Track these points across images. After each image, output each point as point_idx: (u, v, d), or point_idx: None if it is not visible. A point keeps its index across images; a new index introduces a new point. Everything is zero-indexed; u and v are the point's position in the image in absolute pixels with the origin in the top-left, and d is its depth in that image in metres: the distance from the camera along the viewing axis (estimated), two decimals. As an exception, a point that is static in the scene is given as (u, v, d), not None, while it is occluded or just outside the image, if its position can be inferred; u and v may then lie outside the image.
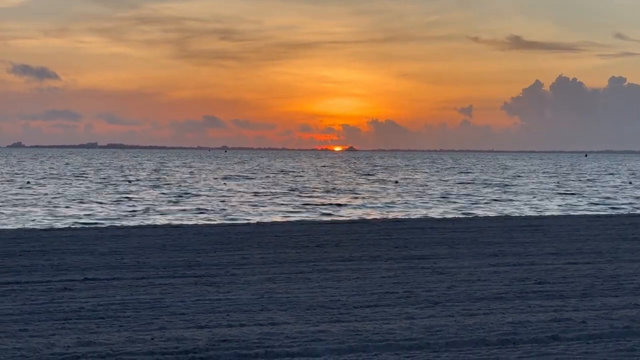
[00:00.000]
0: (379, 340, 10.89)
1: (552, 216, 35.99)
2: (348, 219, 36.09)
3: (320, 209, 43.34)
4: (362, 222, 31.83)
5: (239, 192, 58.03)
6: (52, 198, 49.40)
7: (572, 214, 39.44)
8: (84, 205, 43.70)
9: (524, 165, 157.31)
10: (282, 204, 46.01)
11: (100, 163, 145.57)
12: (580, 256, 19.75)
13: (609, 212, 41.79)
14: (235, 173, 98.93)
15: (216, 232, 25.52)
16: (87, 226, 31.20)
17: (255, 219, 35.42)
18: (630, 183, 78.70)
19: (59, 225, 32.47)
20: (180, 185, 66.47)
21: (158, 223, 32.56)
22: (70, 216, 37.37)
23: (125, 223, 33.27)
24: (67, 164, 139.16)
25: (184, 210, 41.33)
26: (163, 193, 55.82)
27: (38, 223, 33.66)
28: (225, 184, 70.56)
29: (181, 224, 30.66)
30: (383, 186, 68.83)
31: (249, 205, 45.17)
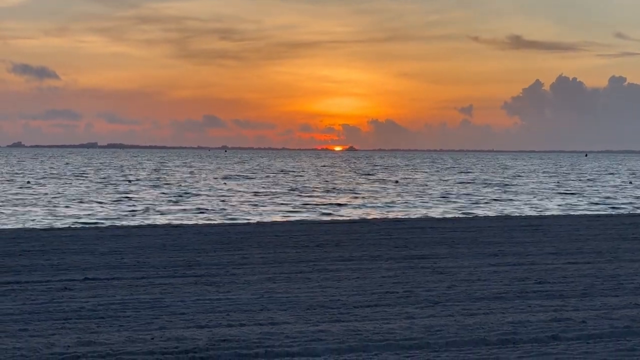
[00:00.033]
0: (379, 340, 10.89)
1: (552, 216, 36.00)
2: (348, 218, 36.10)
3: (321, 208, 43.34)
4: (362, 221, 31.84)
5: (239, 191, 58.04)
6: (52, 198, 49.40)
7: (572, 213, 39.44)
8: (84, 205, 43.70)
9: (524, 165, 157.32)
10: (282, 204, 46.02)
11: (100, 163, 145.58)
12: (581, 256, 19.76)
13: (609, 211, 41.79)
14: (236, 173, 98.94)
15: (216, 231, 25.52)
16: (87, 226, 31.20)
17: (255, 219, 35.43)
18: (631, 183, 78.70)
19: (59, 225, 32.47)
20: (180, 185, 66.47)
21: (158, 223, 32.57)
22: (70, 216, 37.37)
23: (125, 223, 33.27)
24: (67, 163, 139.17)
25: (184, 210, 41.34)
26: (163, 193, 55.82)
27: (38, 223, 33.67)
28: (225, 183, 70.56)
29: (181, 224, 30.67)
30: (383, 186, 68.84)
31: (249, 205, 45.18)
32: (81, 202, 46.17)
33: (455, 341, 10.90)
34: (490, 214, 39.21)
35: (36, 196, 50.76)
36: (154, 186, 64.79)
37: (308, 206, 44.82)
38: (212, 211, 40.51)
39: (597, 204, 48.88)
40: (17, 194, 53.28)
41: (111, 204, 44.91)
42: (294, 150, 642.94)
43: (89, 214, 38.27)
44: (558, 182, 78.06)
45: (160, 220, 34.96)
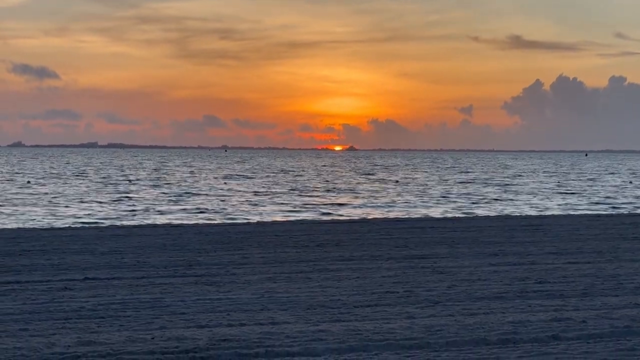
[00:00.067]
0: (380, 339, 10.89)
1: (553, 215, 36.00)
2: (348, 218, 36.10)
3: (321, 208, 43.35)
4: (363, 221, 31.84)
5: (239, 191, 58.03)
6: (52, 197, 49.40)
7: (573, 213, 39.45)
8: (84, 205, 43.71)
9: (524, 165, 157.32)
10: (282, 204, 46.03)
11: (101, 162, 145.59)
12: (581, 256, 19.75)
13: (610, 211, 41.80)
14: (236, 172, 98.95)
15: (216, 231, 25.53)
16: (87, 226, 31.20)
17: (255, 219, 35.43)
18: (631, 182, 78.71)
19: (59, 224, 32.48)
20: (180, 185, 66.48)
21: (158, 222, 32.58)
22: (70, 215, 37.37)
23: (125, 222, 33.28)
24: (67, 163, 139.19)
25: (184, 209, 41.34)
26: (163, 192, 55.82)
27: (38, 222, 33.68)
28: (225, 183, 70.56)
29: (181, 224, 30.67)
30: (383, 186, 68.84)
31: (249, 204, 45.18)
32: (81, 201, 46.18)
33: (456, 341, 10.90)
34: (491, 213, 39.22)
35: (36, 196, 50.77)
36: (154, 186, 64.79)
37: (308, 206, 44.83)
38: (212, 211, 40.51)
39: (597, 203, 48.88)
40: (17, 193, 53.29)
41: (111, 203, 44.91)
42: (294, 150, 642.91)
43: (89, 214, 38.28)
44: (558, 182, 78.06)
45: (161, 220, 34.96)
